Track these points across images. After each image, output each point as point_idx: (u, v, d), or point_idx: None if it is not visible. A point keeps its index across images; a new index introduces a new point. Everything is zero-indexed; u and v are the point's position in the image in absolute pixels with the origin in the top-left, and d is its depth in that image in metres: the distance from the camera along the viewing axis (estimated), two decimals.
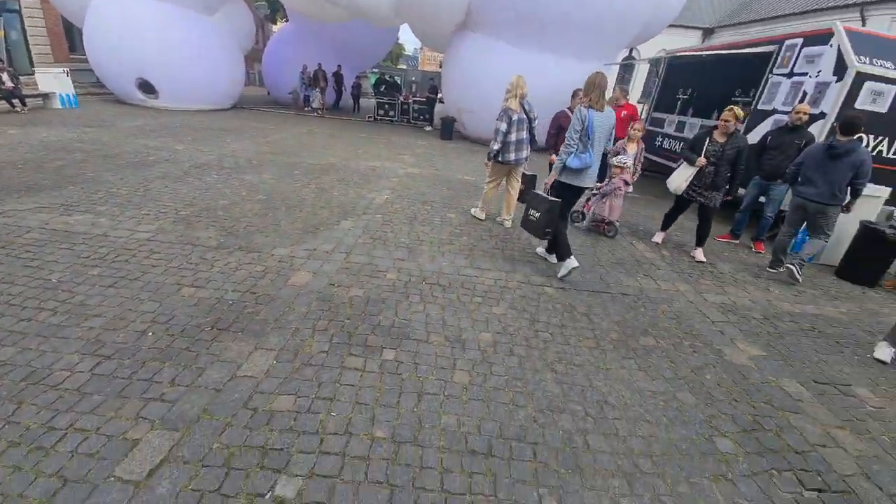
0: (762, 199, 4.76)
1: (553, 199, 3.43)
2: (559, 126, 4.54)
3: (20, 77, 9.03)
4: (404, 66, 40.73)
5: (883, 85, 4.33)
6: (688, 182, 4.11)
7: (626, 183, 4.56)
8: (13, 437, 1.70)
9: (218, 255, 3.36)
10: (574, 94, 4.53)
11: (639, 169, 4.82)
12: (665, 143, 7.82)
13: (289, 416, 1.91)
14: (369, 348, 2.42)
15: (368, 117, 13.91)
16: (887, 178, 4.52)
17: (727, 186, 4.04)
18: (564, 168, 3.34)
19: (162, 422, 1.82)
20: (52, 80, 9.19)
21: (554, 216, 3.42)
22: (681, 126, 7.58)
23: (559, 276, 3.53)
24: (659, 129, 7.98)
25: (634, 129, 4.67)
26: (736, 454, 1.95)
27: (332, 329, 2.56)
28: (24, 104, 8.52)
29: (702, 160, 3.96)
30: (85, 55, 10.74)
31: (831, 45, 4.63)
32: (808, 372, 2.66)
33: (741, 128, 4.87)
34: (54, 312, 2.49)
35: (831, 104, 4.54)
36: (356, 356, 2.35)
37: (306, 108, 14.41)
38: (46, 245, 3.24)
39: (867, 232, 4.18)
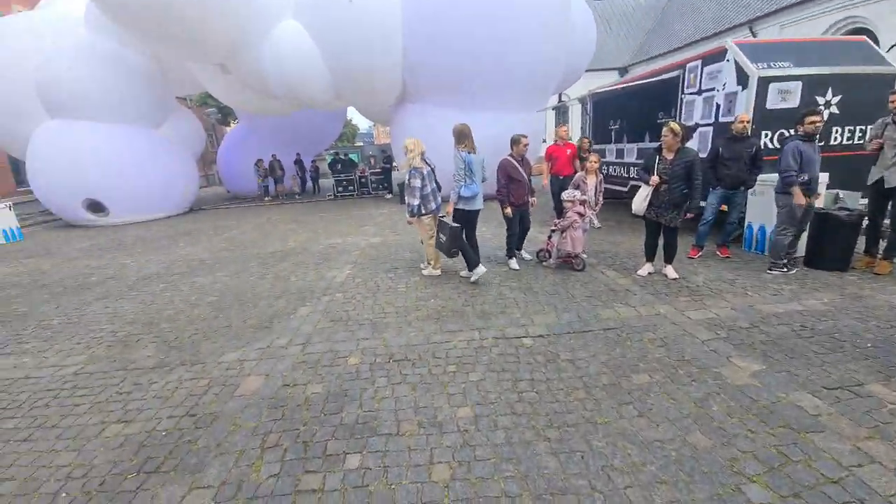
0: (724, 207, 4.83)
1: (454, 224, 4.28)
2: (507, 175, 4.56)
3: None
4: (360, 143, 42.83)
5: (788, 83, 4.70)
6: (647, 201, 4.11)
7: (581, 215, 4.56)
8: None
9: (156, 376, 2.96)
10: (514, 142, 4.59)
11: (600, 199, 4.94)
12: (610, 169, 8.19)
13: None
14: (329, 458, 2.04)
15: (329, 196, 14.11)
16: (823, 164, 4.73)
17: (686, 203, 3.98)
18: (460, 198, 4.36)
19: None
20: None
21: (456, 237, 4.27)
22: (620, 153, 8.01)
23: (471, 280, 4.42)
24: (602, 160, 8.40)
25: (591, 162, 4.88)
26: (772, 502, 1.65)
27: (286, 441, 2.18)
28: None
29: (654, 178, 3.99)
30: (30, 187, 10.59)
31: (728, 60, 5.08)
32: (815, 378, 2.45)
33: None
34: None
35: (742, 109, 4.86)
36: (313, 472, 1.96)
37: (266, 199, 14.52)
38: None
39: (821, 219, 4.26)
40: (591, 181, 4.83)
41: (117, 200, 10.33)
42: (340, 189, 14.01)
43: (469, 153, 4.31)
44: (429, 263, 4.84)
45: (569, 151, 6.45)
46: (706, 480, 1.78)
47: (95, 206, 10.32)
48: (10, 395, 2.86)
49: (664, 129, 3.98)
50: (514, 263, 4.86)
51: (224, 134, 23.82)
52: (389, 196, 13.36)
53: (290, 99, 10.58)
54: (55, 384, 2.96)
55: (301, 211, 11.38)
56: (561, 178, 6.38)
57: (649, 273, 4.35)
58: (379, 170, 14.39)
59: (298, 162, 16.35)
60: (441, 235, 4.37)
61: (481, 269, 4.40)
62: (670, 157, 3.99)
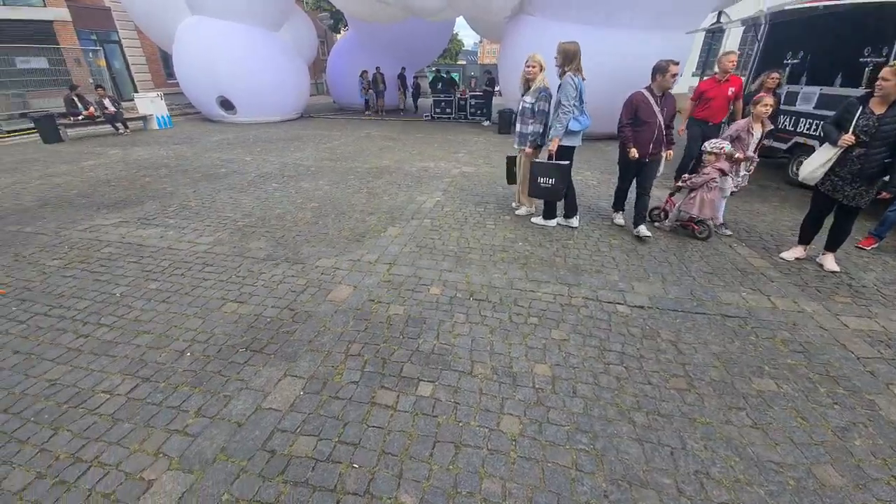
0: None
1: (562, 162, 3.77)
2: (634, 113, 3.64)
3: (122, 102, 10.31)
4: (464, 62, 40.43)
5: None
6: (826, 167, 3.10)
7: (724, 173, 3.72)
8: (41, 467, 1.67)
9: (265, 267, 3.31)
10: (660, 70, 3.52)
11: (755, 158, 3.89)
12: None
13: (306, 465, 1.67)
14: (404, 380, 2.11)
15: (426, 116, 13.82)
16: None
17: (886, 178, 2.94)
18: (568, 132, 3.70)
19: (179, 460, 1.69)
20: (149, 104, 10.39)
21: (568, 177, 3.84)
22: (791, 98, 6.21)
23: (569, 225, 4.16)
24: None
25: (764, 105, 3.72)
26: None
27: (367, 354, 2.30)
28: (126, 126, 9.74)
29: (848, 137, 2.93)
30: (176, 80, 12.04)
31: None
32: None
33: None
34: (111, 328, 2.56)
35: None
36: (388, 389, 2.05)
37: (367, 113, 14.75)
38: (119, 259, 3.45)
39: None
40: (757, 132, 3.80)
41: (243, 100, 11.30)
42: (438, 110, 13.57)
43: (581, 78, 3.66)
44: (522, 203, 4.50)
45: (731, 91, 4.88)
46: None
47: (226, 104, 11.46)
48: (155, 261, 3.44)
49: (886, 69, 2.82)
50: (618, 218, 4.28)
51: (335, 42, 24.08)
52: (487, 123, 12.62)
53: (400, 5, 9.96)
54: (189, 258, 3.48)
55: (398, 129, 11.37)
56: (710, 125, 5.02)
57: (797, 258, 3.50)
58: (480, 93, 13.47)
59: (402, 77, 16.04)
60: (544, 179, 3.82)
61: (576, 220, 4.12)
62: (880, 110, 2.87)
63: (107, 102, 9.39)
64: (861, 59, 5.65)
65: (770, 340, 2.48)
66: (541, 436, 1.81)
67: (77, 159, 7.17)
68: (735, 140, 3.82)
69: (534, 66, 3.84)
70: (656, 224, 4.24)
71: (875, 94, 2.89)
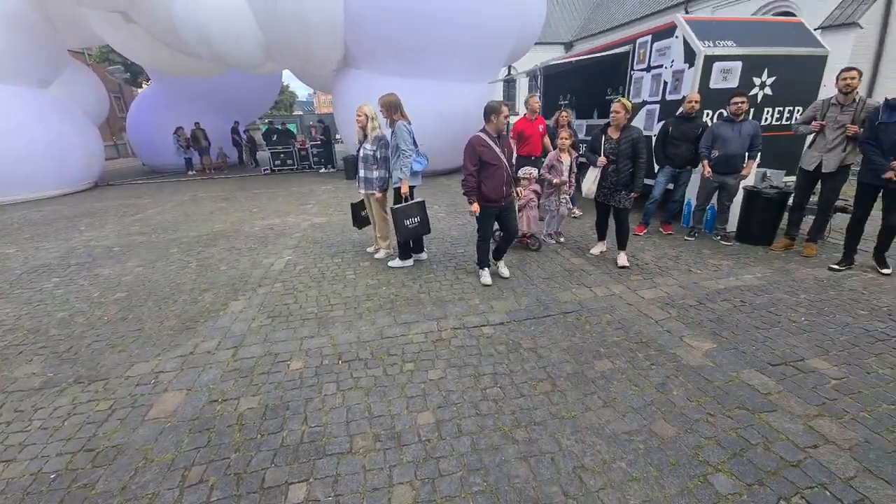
0: (670, 185, 4.94)
1: (420, 200, 3.98)
2: (478, 158, 3.36)
3: None
4: (300, 112, 39.73)
5: (730, 63, 4.82)
6: (596, 183, 4.05)
7: (537, 193, 4.43)
8: None
9: (41, 399, 2.40)
10: (493, 111, 3.33)
11: (572, 180, 4.58)
12: None
13: None
14: (268, 493, 1.73)
15: (265, 170, 12.88)
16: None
17: (632, 183, 3.89)
18: (410, 172, 3.88)
19: None
20: None
21: (425, 210, 3.99)
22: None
23: (420, 259, 4.33)
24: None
25: (562, 139, 4.46)
26: (739, 492, 1.64)
27: (212, 475, 1.82)
28: None
29: (602, 159, 3.92)
30: None
31: (677, 37, 5.10)
32: (761, 355, 2.55)
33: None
34: None
35: (689, 88, 4.94)
36: None
37: (190, 173, 12.92)
38: None
39: (750, 195, 4.52)
40: (566, 160, 4.49)
41: None
42: (278, 162, 12.83)
43: (407, 124, 3.89)
44: (378, 246, 4.49)
45: (541, 127, 5.46)
46: (675, 474, 1.74)
47: None
48: None
49: (615, 104, 3.81)
50: (485, 276, 3.71)
51: (135, 97, 20.68)
52: (323, 170, 12.54)
53: (211, 58, 9.21)
54: None
55: (233, 187, 10.24)
56: (532, 159, 5.55)
57: (601, 252, 4.38)
58: (318, 142, 13.34)
59: (236, 131, 14.78)
60: (410, 220, 3.89)
61: (425, 254, 4.35)
62: (616, 135, 3.87)
63: None
64: (606, 97, 7.69)
65: (599, 325, 2.97)
66: (436, 494, 1.70)
67: None
68: (551, 169, 4.61)
69: (361, 117, 3.99)
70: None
71: (611, 124, 3.90)
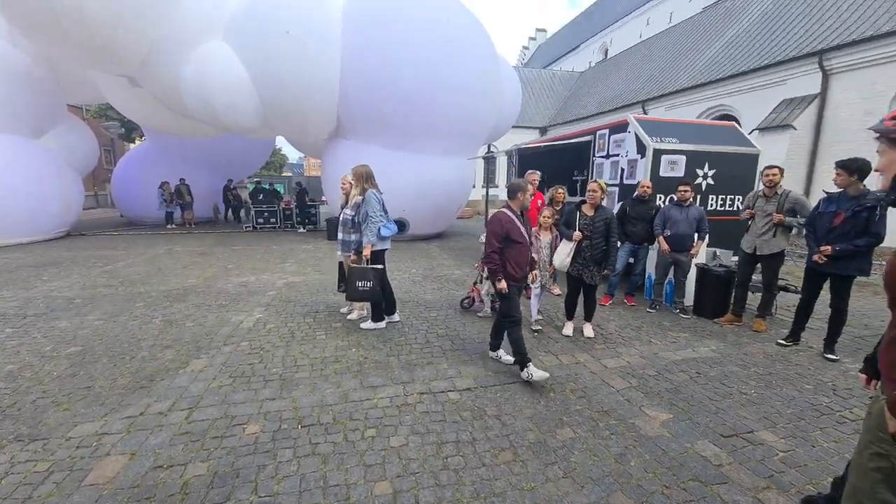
0: (631, 260, 5.33)
1: (377, 266, 4.10)
2: (505, 236, 3.20)
3: None
4: (290, 174, 41.18)
5: (675, 156, 5.53)
6: (570, 257, 4.16)
7: None
8: None
9: None
10: (518, 189, 3.30)
11: (545, 260, 4.35)
12: None
13: None
14: None
15: (246, 227, 13.00)
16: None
17: (605, 261, 4.07)
18: (379, 237, 4.07)
19: None
20: None
21: (382, 278, 4.12)
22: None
23: (392, 320, 4.40)
24: None
25: (544, 217, 4.34)
26: None
27: None
28: None
29: (577, 234, 4.08)
30: None
31: (630, 132, 5.86)
32: (714, 426, 2.64)
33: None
34: None
35: (642, 175, 5.57)
36: None
37: (169, 226, 12.90)
38: None
39: (702, 272, 4.90)
40: (546, 238, 4.36)
41: None
42: (261, 220, 13.04)
43: (379, 192, 4.20)
44: (353, 307, 4.54)
45: (539, 202, 5.51)
46: None
47: None
48: None
49: (591, 184, 4.14)
50: (536, 372, 3.12)
51: (126, 150, 21.17)
52: (302, 230, 12.81)
53: (210, 122, 9.79)
54: None
55: (212, 242, 10.23)
56: None
57: (573, 331, 4.27)
58: (295, 202, 13.77)
59: (228, 188, 15.15)
60: (363, 283, 3.97)
61: (397, 315, 4.42)
62: (591, 213, 4.11)
63: None
64: (573, 178, 8.46)
65: (563, 393, 3.02)
66: None
67: None
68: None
69: (345, 184, 4.30)
70: (479, 314, 4.79)
71: (588, 202, 4.22)
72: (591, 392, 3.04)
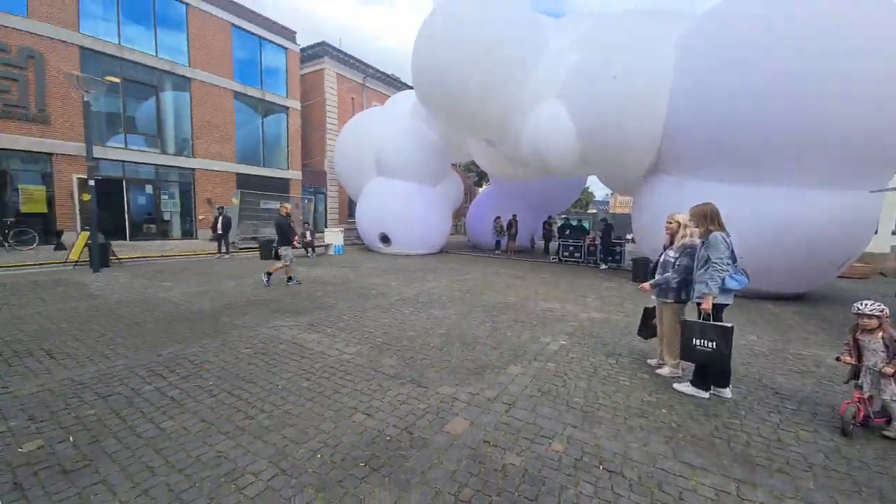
0: None
1: (725, 324, 3.38)
2: None
3: (316, 234, 13.69)
4: (594, 210, 42.65)
5: None
6: None
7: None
8: None
9: (392, 384, 3.57)
10: None
11: None
12: None
13: None
14: None
15: (553, 259, 14.37)
16: None
17: None
18: (722, 289, 3.42)
19: None
20: (333, 236, 13.56)
21: (731, 341, 3.35)
22: None
23: (720, 395, 3.53)
24: None
25: None
26: None
27: None
28: (313, 251, 12.72)
29: None
30: (354, 218, 15.66)
31: None
32: None
33: None
34: (269, 416, 2.99)
35: None
36: None
37: (496, 252, 16.20)
38: (286, 356, 4.19)
39: None
40: None
41: (398, 236, 13.89)
42: (566, 254, 14.06)
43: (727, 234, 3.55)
44: (663, 362, 4.02)
45: None
46: None
47: (385, 238, 14.18)
48: (311, 362, 4.05)
49: None
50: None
51: (476, 193, 28.56)
52: (604, 267, 12.46)
53: (539, 167, 11.64)
54: (335, 364, 4.00)
55: (526, 268, 11.99)
56: None
57: None
58: (615, 240, 13.64)
59: (548, 223, 17.67)
60: (703, 342, 3.39)
61: (728, 391, 3.56)
62: None
63: (307, 234, 12.68)
64: None
65: None
66: None
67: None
68: None
69: (672, 224, 3.94)
70: (884, 432, 3.12)
71: None
72: None
